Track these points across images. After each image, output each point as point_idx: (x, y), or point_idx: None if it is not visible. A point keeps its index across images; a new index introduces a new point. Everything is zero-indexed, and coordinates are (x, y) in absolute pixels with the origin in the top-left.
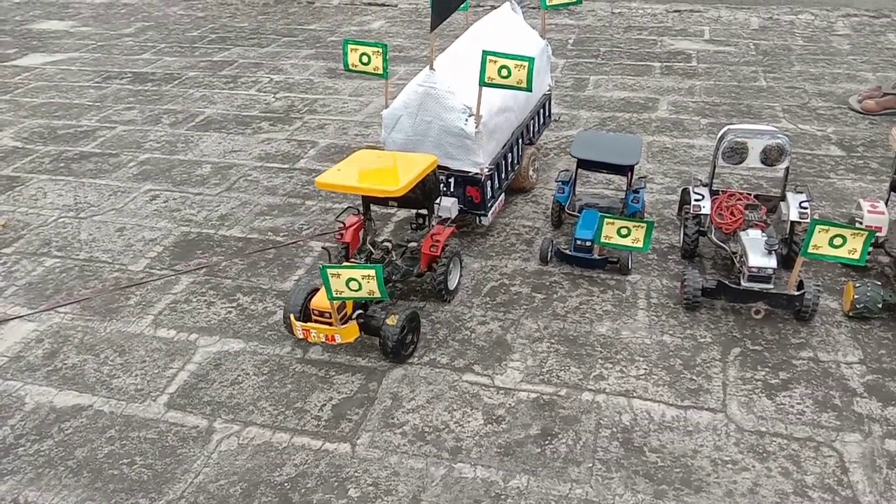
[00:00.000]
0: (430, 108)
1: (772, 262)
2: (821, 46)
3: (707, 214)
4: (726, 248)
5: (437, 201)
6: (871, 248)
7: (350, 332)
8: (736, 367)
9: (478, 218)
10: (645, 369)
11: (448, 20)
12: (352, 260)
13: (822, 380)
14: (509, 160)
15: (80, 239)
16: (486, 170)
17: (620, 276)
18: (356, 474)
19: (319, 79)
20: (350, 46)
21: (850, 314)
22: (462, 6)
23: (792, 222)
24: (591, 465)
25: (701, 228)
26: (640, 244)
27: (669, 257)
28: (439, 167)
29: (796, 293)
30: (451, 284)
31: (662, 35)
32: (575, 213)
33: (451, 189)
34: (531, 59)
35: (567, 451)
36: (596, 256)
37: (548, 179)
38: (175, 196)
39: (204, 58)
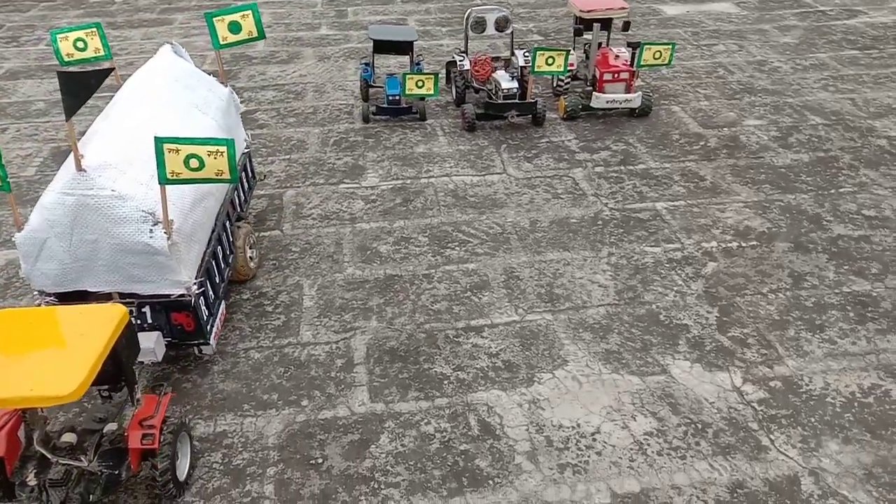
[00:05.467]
0: (91, 224)
1: (515, 84)
2: None
3: (468, 70)
4: (485, 88)
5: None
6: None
7: None
8: (506, 153)
9: (196, 348)
10: (453, 163)
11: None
12: (13, 482)
13: (556, 150)
14: (220, 255)
15: None
16: (195, 286)
17: (421, 122)
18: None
19: None
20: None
21: (564, 117)
22: (104, 55)
23: (521, 67)
24: (438, 209)
25: (466, 81)
26: (431, 91)
27: (448, 107)
28: (123, 296)
29: (532, 101)
30: (182, 474)
31: None
32: (378, 86)
33: (149, 320)
34: (229, 143)
35: (423, 204)
36: (404, 105)
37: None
38: None
39: None
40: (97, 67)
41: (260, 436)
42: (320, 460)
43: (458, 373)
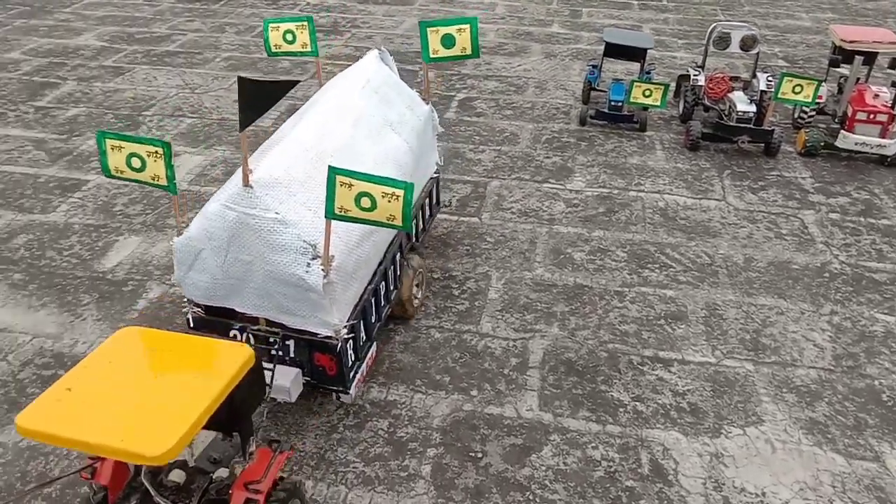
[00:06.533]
0: (248, 244)
1: (752, 108)
2: None
3: (702, 86)
4: (717, 108)
5: (266, 397)
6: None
7: None
8: (729, 179)
9: (334, 394)
10: (667, 180)
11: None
12: None
13: (787, 186)
14: (382, 291)
15: (206, 106)
16: (345, 330)
17: (640, 132)
18: None
19: None
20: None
21: (802, 152)
22: (310, 51)
23: (761, 91)
24: (643, 225)
25: (697, 97)
26: (658, 102)
27: (672, 122)
28: (271, 324)
29: (769, 129)
30: None
31: None
32: (601, 90)
33: (291, 354)
34: (408, 187)
35: (627, 218)
36: (626, 113)
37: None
38: None
39: None
40: (302, 61)
41: (426, 414)
42: (480, 455)
43: (637, 403)
